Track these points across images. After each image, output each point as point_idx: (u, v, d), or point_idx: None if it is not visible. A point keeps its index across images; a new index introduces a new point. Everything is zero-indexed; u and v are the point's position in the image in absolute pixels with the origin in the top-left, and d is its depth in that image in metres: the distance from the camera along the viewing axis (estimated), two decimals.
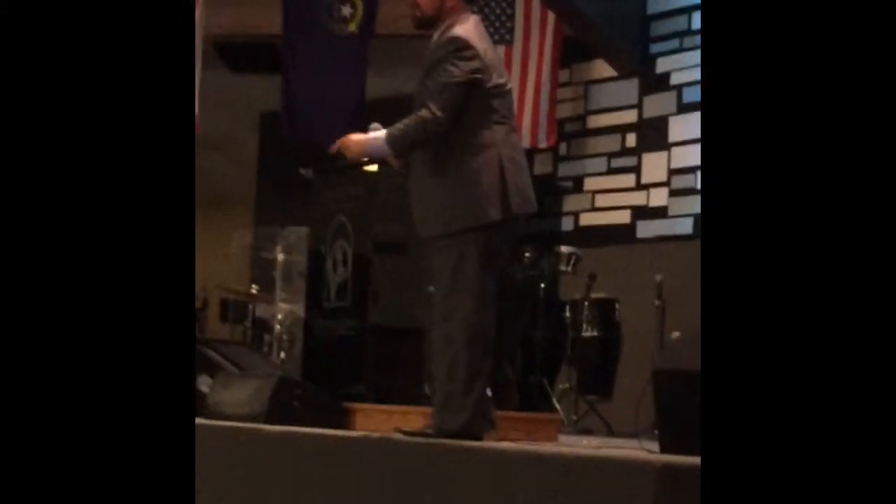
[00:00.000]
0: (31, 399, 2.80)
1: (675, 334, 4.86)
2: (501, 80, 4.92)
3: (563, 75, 10.04)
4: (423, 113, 4.77)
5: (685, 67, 9.47)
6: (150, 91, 2.99)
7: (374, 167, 7.54)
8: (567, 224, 9.89)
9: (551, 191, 9.83)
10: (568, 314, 8.00)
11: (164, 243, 2.96)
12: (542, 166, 9.93)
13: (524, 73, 9.63)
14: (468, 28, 4.88)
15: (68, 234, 2.87)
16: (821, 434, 2.60)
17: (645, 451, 4.54)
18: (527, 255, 8.12)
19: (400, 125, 4.85)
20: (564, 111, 10.05)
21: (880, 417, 2.56)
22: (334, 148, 4.97)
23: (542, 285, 8.03)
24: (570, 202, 9.94)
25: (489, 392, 4.82)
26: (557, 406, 7.88)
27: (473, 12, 5.04)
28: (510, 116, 4.97)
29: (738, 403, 2.69)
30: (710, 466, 2.71)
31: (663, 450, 4.28)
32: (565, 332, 8.00)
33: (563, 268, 8.07)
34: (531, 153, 9.76)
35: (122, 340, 2.87)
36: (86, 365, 2.84)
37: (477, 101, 4.82)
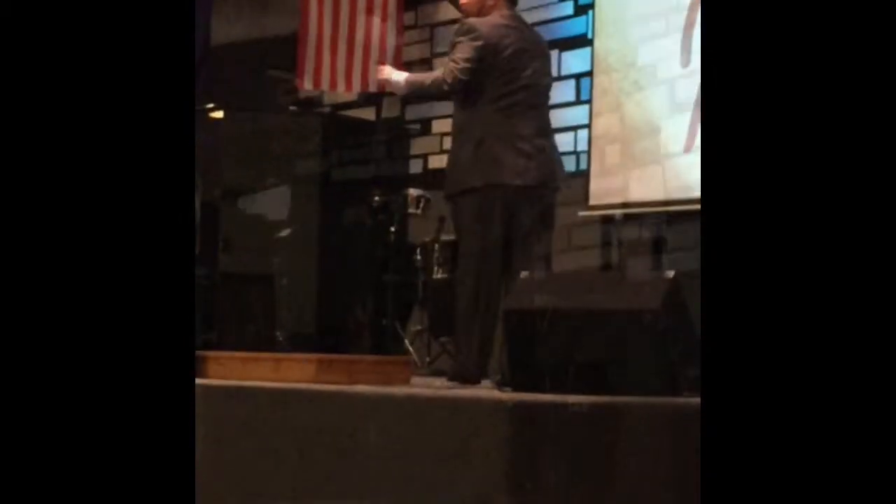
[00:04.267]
0: (22, 386, 2.74)
1: (524, 274, 4.94)
2: (512, 75, 5.62)
3: (409, 17, 10.02)
4: (438, 74, 5.80)
5: (531, 8, 9.54)
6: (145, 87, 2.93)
7: (219, 114, 7.49)
8: (415, 167, 9.90)
9: (399, 134, 9.84)
10: (419, 257, 8.04)
11: (162, 228, 2.91)
12: (390, 110, 9.93)
13: (369, 15, 9.58)
14: (487, 20, 5.66)
15: (64, 230, 2.80)
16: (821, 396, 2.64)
17: (496, 390, 4.62)
18: (376, 198, 8.14)
19: (422, 75, 6.14)
20: (411, 54, 10.05)
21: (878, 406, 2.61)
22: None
23: (392, 228, 8.05)
24: (418, 145, 9.95)
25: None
26: (410, 348, 7.93)
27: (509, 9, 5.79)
28: (524, 104, 5.68)
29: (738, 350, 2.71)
30: (710, 411, 2.72)
31: (514, 388, 4.36)
32: (416, 274, 8.05)
33: (412, 210, 8.10)
34: (379, 97, 9.76)
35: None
36: (82, 355, 2.78)
37: (481, 86, 5.63)
